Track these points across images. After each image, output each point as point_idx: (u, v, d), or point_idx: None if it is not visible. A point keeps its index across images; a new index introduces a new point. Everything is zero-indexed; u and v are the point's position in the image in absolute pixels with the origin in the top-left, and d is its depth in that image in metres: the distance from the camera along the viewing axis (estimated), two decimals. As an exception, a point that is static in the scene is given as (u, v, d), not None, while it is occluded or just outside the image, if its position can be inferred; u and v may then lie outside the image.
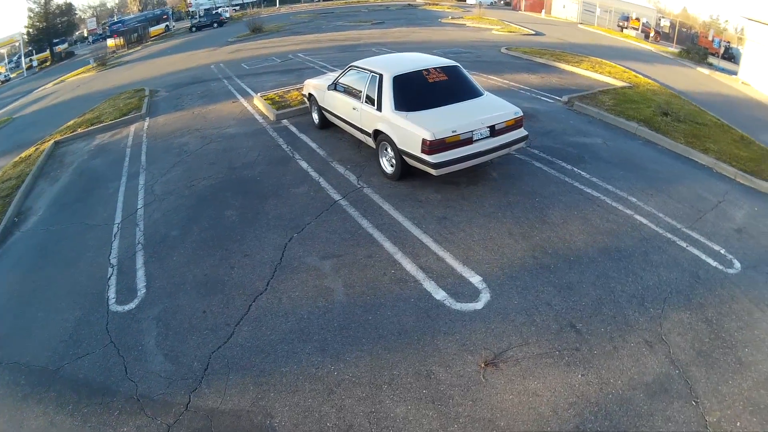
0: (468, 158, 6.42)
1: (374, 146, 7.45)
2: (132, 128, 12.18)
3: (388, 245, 5.76)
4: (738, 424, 3.71)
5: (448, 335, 4.43)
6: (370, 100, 7.21)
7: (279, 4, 57.66)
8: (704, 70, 21.13)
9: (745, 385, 4.05)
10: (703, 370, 4.16)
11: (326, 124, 9.44)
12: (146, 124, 12.41)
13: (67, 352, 4.75)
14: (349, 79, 8.00)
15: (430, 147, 6.11)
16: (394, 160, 7.04)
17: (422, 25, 29.16)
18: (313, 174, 7.79)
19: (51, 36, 46.63)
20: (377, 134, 7.13)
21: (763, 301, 5.10)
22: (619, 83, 13.63)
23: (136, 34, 41.52)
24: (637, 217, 6.35)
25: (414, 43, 21.33)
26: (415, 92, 6.92)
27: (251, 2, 60.62)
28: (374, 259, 5.53)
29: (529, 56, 17.54)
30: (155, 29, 45.95)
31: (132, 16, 50.42)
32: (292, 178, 7.73)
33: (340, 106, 8.23)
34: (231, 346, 4.51)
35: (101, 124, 12.75)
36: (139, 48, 38.86)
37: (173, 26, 50.27)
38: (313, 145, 8.93)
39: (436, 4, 44.61)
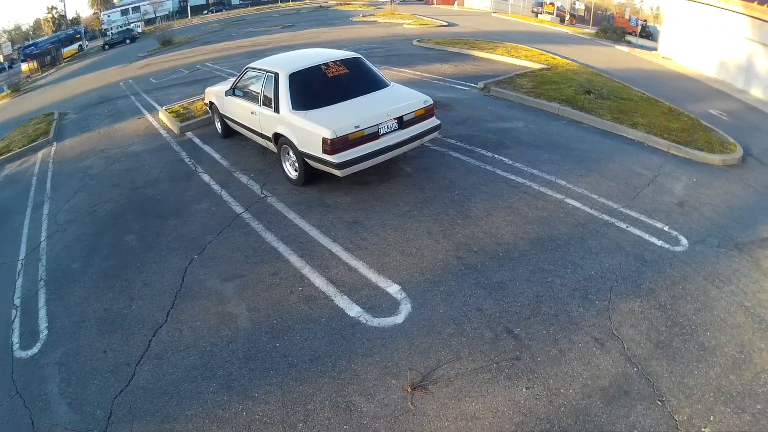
0: (375, 154, 5.72)
1: (276, 151, 6.80)
2: (39, 155, 11.19)
3: (294, 259, 5.10)
4: (711, 417, 3.19)
5: (366, 357, 3.75)
6: (267, 101, 6.49)
7: (191, 15, 54.31)
8: (623, 48, 20.78)
9: (712, 373, 3.52)
10: (665, 363, 3.57)
11: (229, 133, 8.85)
12: (53, 149, 11.43)
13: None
14: (246, 82, 7.20)
15: (332, 146, 5.41)
16: (297, 164, 6.39)
17: (333, 25, 28.45)
18: (215, 187, 7.26)
19: None
20: (278, 138, 6.42)
21: (717, 276, 4.56)
22: (536, 66, 13.09)
23: (49, 56, 37.87)
24: (569, 200, 5.71)
25: (324, 42, 20.69)
26: (313, 89, 6.23)
27: (163, 16, 56.79)
28: (279, 276, 4.88)
29: (442, 46, 16.99)
30: (68, 50, 42.23)
31: (45, 38, 45.85)
32: (194, 193, 7.22)
33: (239, 111, 7.49)
34: (133, 390, 3.90)
35: (10, 153, 11.66)
36: (53, 70, 35.69)
37: (87, 45, 46.35)
38: (216, 156, 8.43)
39: (348, 4, 43.61)
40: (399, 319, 4.03)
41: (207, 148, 8.89)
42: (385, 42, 19.56)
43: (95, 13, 61.33)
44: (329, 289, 4.53)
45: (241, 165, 7.89)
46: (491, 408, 3.27)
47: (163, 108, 11.74)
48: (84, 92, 19.08)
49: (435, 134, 6.50)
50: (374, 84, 6.49)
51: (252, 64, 7.20)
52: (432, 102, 6.28)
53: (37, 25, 64.61)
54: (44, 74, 34.54)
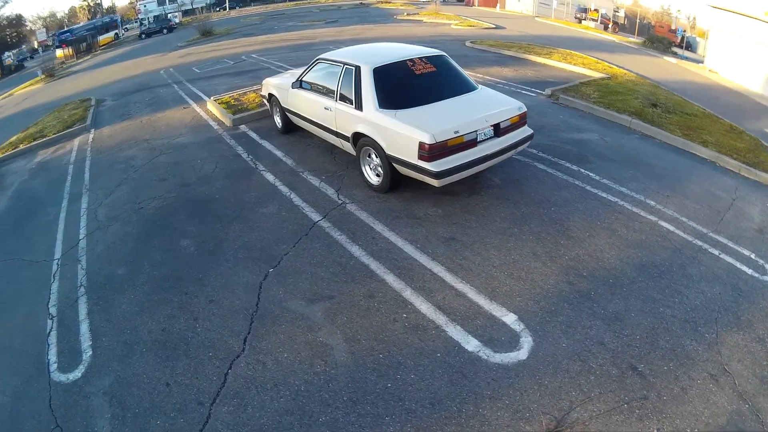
0: (474, 164, 5.17)
1: (354, 152, 6.14)
2: (76, 142, 10.63)
3: (391, 279, 4.47)
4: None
5: (494, 401, 3.27)
6: (345, 97, 5.90)
7: (229, 7, 54.75)
8: (671, 59, 20.62)
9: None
10: (771, 399, 3.33)
11: (291, 128, 8.13)
12: (91, 136, 10.85)
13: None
14: (317, 75, 6.64)
15: (430, 152, 4.85)
16: (380, 169, 5.73)
17: (377, 23, 27.79)
18: (283, 189, 6.47)
19: (0, 49, 42.35)
20: (357, 138, 5.81)
21: None
22: (596, 74, 12.72)
23: (85, 43, 38.26)
24: (662, 223, 5.43)
25: (371, 39, 20.00)
26: (400, 87, 5.69)
27: (201, 7, 57.50)
28: (377, 299, 4.22)
29: (497, 49, 16.44)
30: (104, 37, 42.67)
31: (80, 25, 46.54)
32: (257, 194, 6.41)
33: (307, 106, 6.87)
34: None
35: (44, 139, 11.17)
36: (88, 57, 35.79)
37: (123, 34, 46.94)
38: (278, 153, 7.63)
39: (389, 2, 43.19)
40: (522, 354, 3.59)
41: (266, 144, 8.09)
42: (437, 42, 18.77)
43: (131, 3, 62.55)
44: (438, 318, 3.96)
45: (309, 165, 7.09)
46: None
47: (212, 98, 11.07)
48: (121, 79, 18.69)
49: (526, 145, 5.95)
50: (463, 85, 5.98)
51: (324, 56, 6.65)
52: (526, 109, 5.76)
53: (72, 13, 66.27)
54: (79, 60, 34.79)
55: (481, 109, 5.47)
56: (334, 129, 6.25)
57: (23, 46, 48.00)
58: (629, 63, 16.15)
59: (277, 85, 7.89)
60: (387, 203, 5.75)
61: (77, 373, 3.98)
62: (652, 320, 3.99)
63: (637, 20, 34.44)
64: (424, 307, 4.08)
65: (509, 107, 5.62)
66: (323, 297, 4.33)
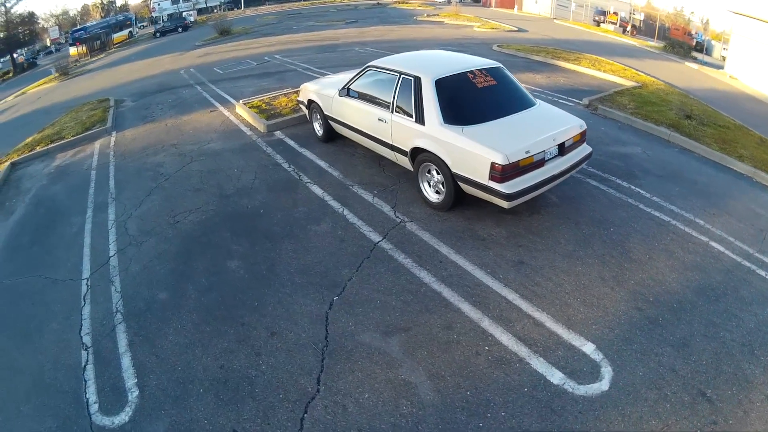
0: (542, 184, 4.97)
1: (410, 167, 5.84)
2: (97, 145, 10.19)
3: (466, 308, 4.22)
4: None
5: None
6: (403, 110, 5.61)
7: (244, 6, 54.83)
8: (692, 65, 20.39)
9: None
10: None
11: (332, 137, 7.69)
12: (112, 139, 10.42)
13: None
14: (368, 83, 6.29)
15: (502, 173, 4.63)
16: (442, 186, 5.44)
17: (398, 24, 27.42)
18: (334, 204, 6.01)
19: (12, 47, 42.47)
20: (417, 153, 5.52)
21: None
22: (627, 83, 12.61)
23: (99, 42, 38.31)
24: (713, 244, 5.39)
25: (396, 41, 19.70)
26: (464, 101, 5.41)
27: (216, 6, 57.67)
28: (456, 331, 3.98)
29: (525, 54, 16.09)
30: (118, 36, 42.79)
31: (94, 22, 46.67)
32: (306, 209, 5.94)
33: (357, 116, 6.49)
34: None
35: (62, 141, 10.77)
36: (102, 56, 35.73)
37: (137, 32, 47.06)
38: (322, 164, 7.16)
39: (406, 2, 42.97)
40: (604, 385, 3.54)
41: (307, 153, 7.61)
42: (463, 45, 18.45)
43: (144, 1, 62.90)
44: (521, 349, 3.83)
45: (357, 177, 6.62)
46: None
47: (240, 102, 10.64)
48: (139, 79, 18.34)
49: (585, 163, 5.74)
50: (523, 100, 5.74)
51: (375, 63, 6.30)
52: (586, 127, 5.60)
53: (85, 11, 66.79)
54: (93, 59, 34.72)
55: (546, 127, 5.23)
56: (389, 142, 5.92)
57: (36, 44, 48.29)
58: (654, 69, 16.13)
59: (318, 91, 7.46)
60: (448, 222, 5.45)
61: (123, 416, 3.53)
62: (715, 345, 3.97)
63: (656, 24, 34.01)
64: (505, 339, 3.92)
65: (572, 125, 5.41)
66: (398, 329, 4.04)
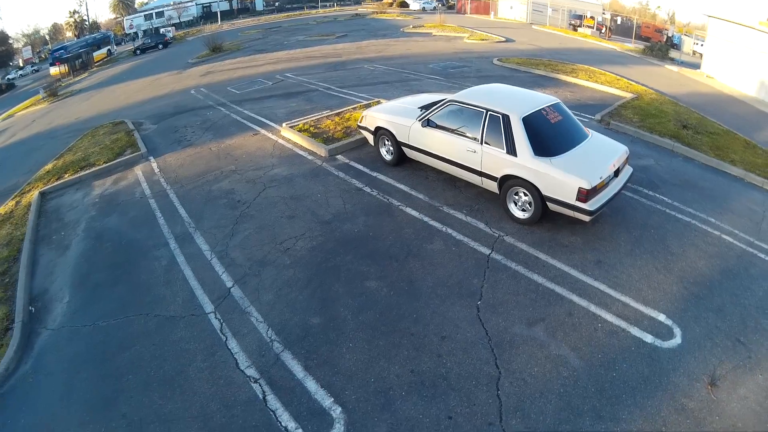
0: (608, 202, 6.12)
1: (494, 190, 6.71)
2: (138, 171, 9.91)
3: (575, 298, 5.33)
4: None
5: (675, 372, 4.49)
6: (493, 142, 6.43)
7: (220, 20, 54.24)
8: (672, 68, 21.66)
9: None
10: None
11: (401, 161, 8.14)
12: (154, 165, 10.17)
13: None
14: (450, 116, 6.99)
15: (587, 195, 5.76)
16: (529, 206, 6.37)
17: (388, 37, 27.85)
18: (435, 224, 6.53)
19: None
20: (506, 179, 6.37)
21: None
22: (624, 94, 13.83)
23: (80, 61, 37.12)
24: (725, 237, 6.69)
25: (400, 57, 20.20)
26: (546, 135, 6.33)
27: (188, 21, 56.84)
28: (575, 316, 5.10)
29: (526, 68, 16.94)
30: (97, 54, 41.58)
31: (74, 41, 45.22)
32: (412, 230, 6.39)
33: (443, 146, 7.11)
34: None
35: (94, 168, 10.41)
36: (85, 75, 34.67)
37: (115, 50, 45.88)
38: (403, 187, 7.58)
39: (384, 13, 43.54)
40: (678, 340, 4.85)
41: (382, 177, 7.99)
42: (463, 60, 19.15)
43: (116, 18, 61.42)
44: (621, 323, 5.01)
45: (442, 199, 7.13)
46: (753, 391, 4.33)
47: (285, 125, 10.81)
48: (148, 100, 18.05)
49: (629, 180, 6.84)
50: (582, 132, 6.77)
51: (455, 98, 7.03)
52: (629, 152, 6.79)
53: (56, 29, 64.54)
54: (77, 78, 33.61)
55: (607, 156, 6.35)
56: (478, 169, 6.66)
57: (9, 65, 46.51)
58: (642, 76, 17.39)
59: (390, 120, 7.94)
60: (536, 234, 6.35)
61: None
62: (740, 309, 5.30)
63: (629, 24, 35.46)
64: (609, 317, 5.07)
65: (621, 153, 6.55)
66: (536, 320, 5.01)
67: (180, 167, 9.86)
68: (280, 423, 4.01)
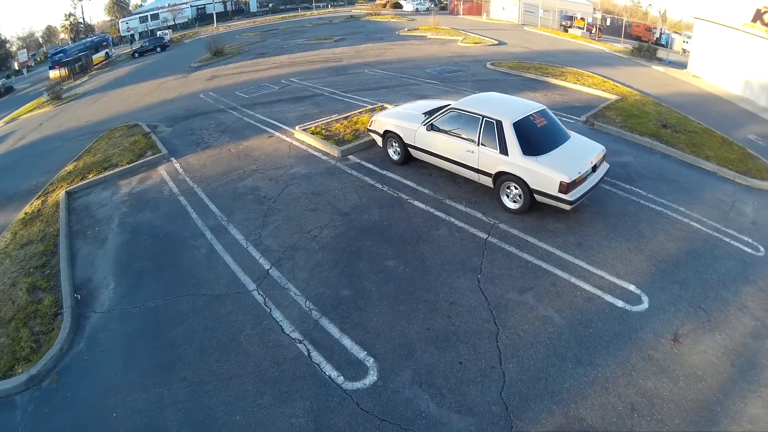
0: (586, 193, 7.21)
1: (489, 184, 7.85)
2: (161, 171, 10.70)
3: (559, 272, 6.45)
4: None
5: (642, 330, 5.55)
6: (488, 143, 7.56)
7: (216, 22, 54.86)
8: (659, 68, 22.78)
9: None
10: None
11: (407, 160, 9.32)
12: (177, 165, 10.93)
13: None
14: (452, 121, 8.14)
15: (568, 188, 6.87)
16: (519, 198, 7.52)
17: (385, 40, 28.94)
18: (439, 214, 7.72)
19: None
20: (499, 175, 7.51)
21: None
22: (610, 95, 14.89)
23: (79, 63, 37.57)
24: (693, 224, 7.79)
25: (398, 61, 21.27)
26: (532, 137, 7.40)
27: (183, 23, 57.30)
28: (558, 286, 6.22)
29: (517, 72, 18.10)
30: (96, 57, 41.95)
31: (73, 45, 45.61)
32: (421, 220, 7.56)
33: (444, 146, 8.28)
34: (512, 383, 4.85)
35: (118, 169, 11.11)
36: (85, 78, 35.10)
37: (113, 53, 46.33)
38: (410, 183, 8.74)
39: (378, 15, 44.48)
40: (646, 305, 5.91)
41: (391, 174, 9.13)
42: (458, 64, 20.18)
43: (111, 20, 61.81)
44: (596, 291, 6.11)
45: (445, 193, 8.30)
46: (711, 347, 5.34)
47: (298, 128, 11.88)
48: (157, 103, 18.79)
49: (605, 175, 7.94)
50: (564, 134, 7.84)
51: (456, 106, 8.17)
52: (606, 151, 7.91)
53: (50, 32, 64.70)
54: (77, 82, 34.00)
55: (586, 154, 7.45)
56: (475, 167, 7.84)
57: (4, 69, 46.79)
58: (628, 77, 18.62)
59: (397, 124, 9.12)
60: (525, 222, 7.50)
61: (372, 377, 4.93)
62: (702, 282, 6.42)
63: (619, 23, 36.42)
64: (586, 287, 6.19)
65: (599, 151, 7.66)
66: (526, 288, 6.16)
67: (203, 167, 10.75)
68: (324, 372, 5.05)
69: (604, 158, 7.86)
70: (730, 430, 4.46)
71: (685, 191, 8.92)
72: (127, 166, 11.28)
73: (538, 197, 7.25)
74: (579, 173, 7.00)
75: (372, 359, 5.14)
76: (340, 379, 4.92)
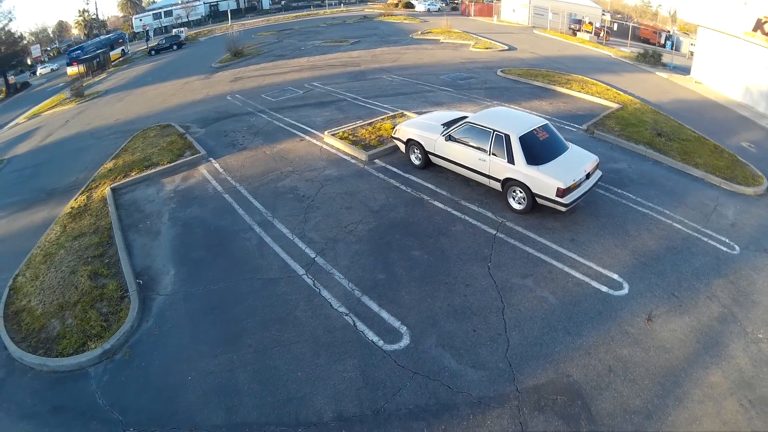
0: (580, 197, 8.54)
1: (497, 188, 9.26)
2: (203, 171, 11.75)
3: (555, 263, 7.80)
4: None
5: (619, 311, 6.83)
6: (498, 153, 8.99)
7: (231, 20, 56.25)
8: (663, 75, 23.87)
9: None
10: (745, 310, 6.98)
11: (427, 166, 10.83)
12: (216, 165, 11.99)
13: (375, 395, 5.60)
14: (467, 133, 9.63)
15: (564, 193, 8.19)
16: (523, 200, 8.92)
17: (399, 44, 30.20)
18: (455, 213, 9.25)
19: (4, 67, 42.26)
20: (507, 180, 8.94)
21: (760, 269, 7.93)
22: (611, 104, 16.04)
23: (97, 61, 38.95)
24: (675, 225, 9.00)
25: (413, 67, 22.60)
26: (535, 149, 8.75)
27: (196, 20, 58.65)
28: (554, 273, 7.58)
29: (526, 79, 19.44)
30: (112, 54, 43.17)
31: (90, 42, 46.99)
32: (440, 218, 9.08)
33: (460, 155, 9.77)
34: (515, 346, 6.21)
35: (159, 167, 12.16)
36: (103, 75, 36.09)
37: (129, 50, 47.68)
38: (430, 186, 10.26)
39: (391, 15, 45.67)
40: (626, 290, 7.18)
41: (413, 178, 10.66)
42: (470, 71, 21.45)
43: (124, 16, 63.41)
44: (585, 279, 7.44)
45: (460, 195, 9.81)
46: (679, 327, 6.56)
47: (327, 133, 13.31)
48: (184, 104, 19.62)
49: (598, 182, 9.26)
50: (562, 145, 9.17)
51: (471, 120, 9.63)
52: (599, 160, 9.20)
53: (62, 27, 66.32)
54: (96, 79, 35.05)
55: (579, 163, 8.79)
56: (487, 173, 9.29)
57: (19, 64, 48.36)
58: (631, 85, 19.80)
59: (419, 134, 10.64)
60: (528, 221, 8.90)
61: (406, 340, 6.43)
62: (678, 273, 7.61)
63: (627, 23, 37.29)
64: (577, 275, 7.52)
65: (592, 160, 8.98)
66: (527, 275, 7.54)
67: (242, 168, 11.97)
68: (367, 337, 6.53)
69: (597, 166, 9.18)
70: (692, 392, 5.48)
71: (672, 195, 10.05)
72: (168, 165, 12.29)
73: (539, 200, 8.62)
74: (574, 180, 8.34)
75: (405, 327, 6.65)
76: (381, 343, 6.38)
